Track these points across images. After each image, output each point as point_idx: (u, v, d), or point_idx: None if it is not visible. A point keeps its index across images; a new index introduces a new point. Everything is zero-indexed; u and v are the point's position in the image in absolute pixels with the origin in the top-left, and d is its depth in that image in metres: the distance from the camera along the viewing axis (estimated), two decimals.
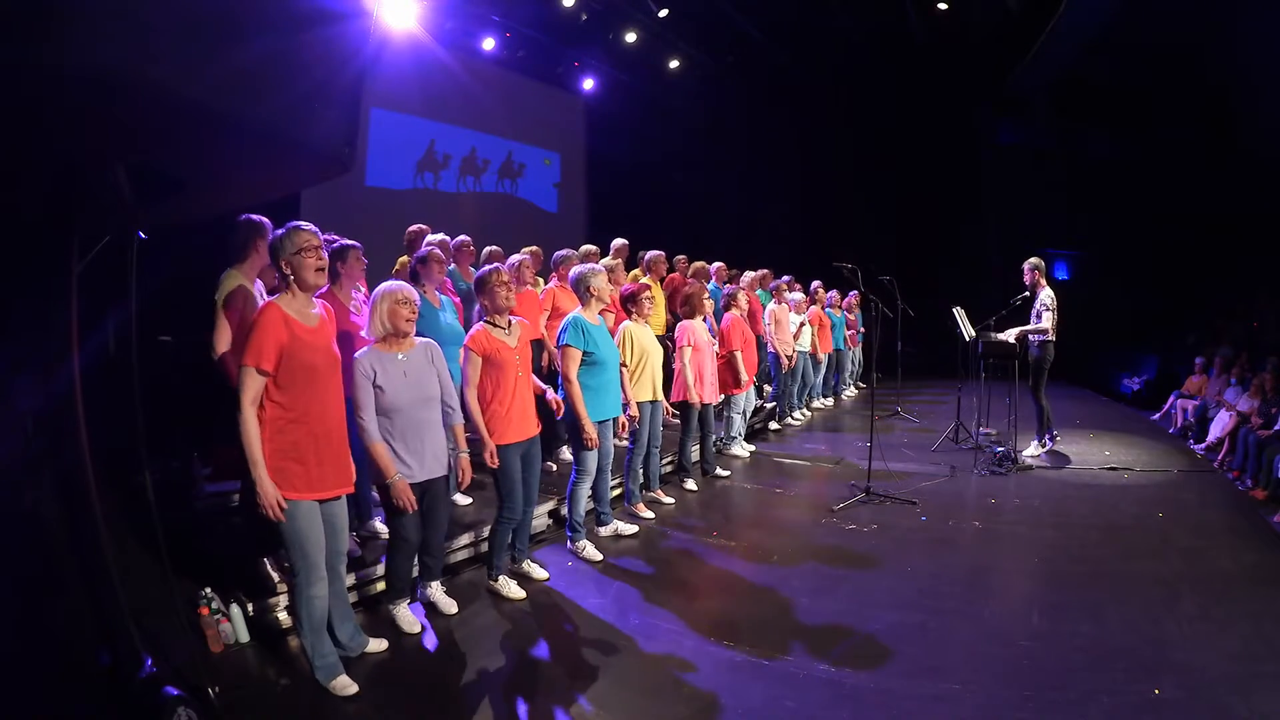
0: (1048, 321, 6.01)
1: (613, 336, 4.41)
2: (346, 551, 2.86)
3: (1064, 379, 8.70)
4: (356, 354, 2.86)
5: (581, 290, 4.00)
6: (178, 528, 3.12)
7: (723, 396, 5.88)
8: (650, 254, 6.69)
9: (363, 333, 2.99)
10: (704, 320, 5.37)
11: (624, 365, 4.37)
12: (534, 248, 5.49)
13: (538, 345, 4.80)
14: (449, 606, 3.31)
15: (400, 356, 2.91)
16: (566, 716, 2.58)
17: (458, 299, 4.53)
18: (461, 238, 5.17)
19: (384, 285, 2.95)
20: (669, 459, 5.48)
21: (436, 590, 3.34)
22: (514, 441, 3.39)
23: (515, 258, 4.94)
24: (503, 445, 3.35)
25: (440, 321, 3.92)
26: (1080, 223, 11.91)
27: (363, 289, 3.70)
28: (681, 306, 5.33)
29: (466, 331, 4.07)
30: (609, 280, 5.37)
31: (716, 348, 5.70)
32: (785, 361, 7.22)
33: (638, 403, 4.47)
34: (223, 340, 3.05)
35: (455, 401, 3.17)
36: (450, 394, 3.12)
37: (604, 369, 3.97)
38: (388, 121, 8.29)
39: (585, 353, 3.88)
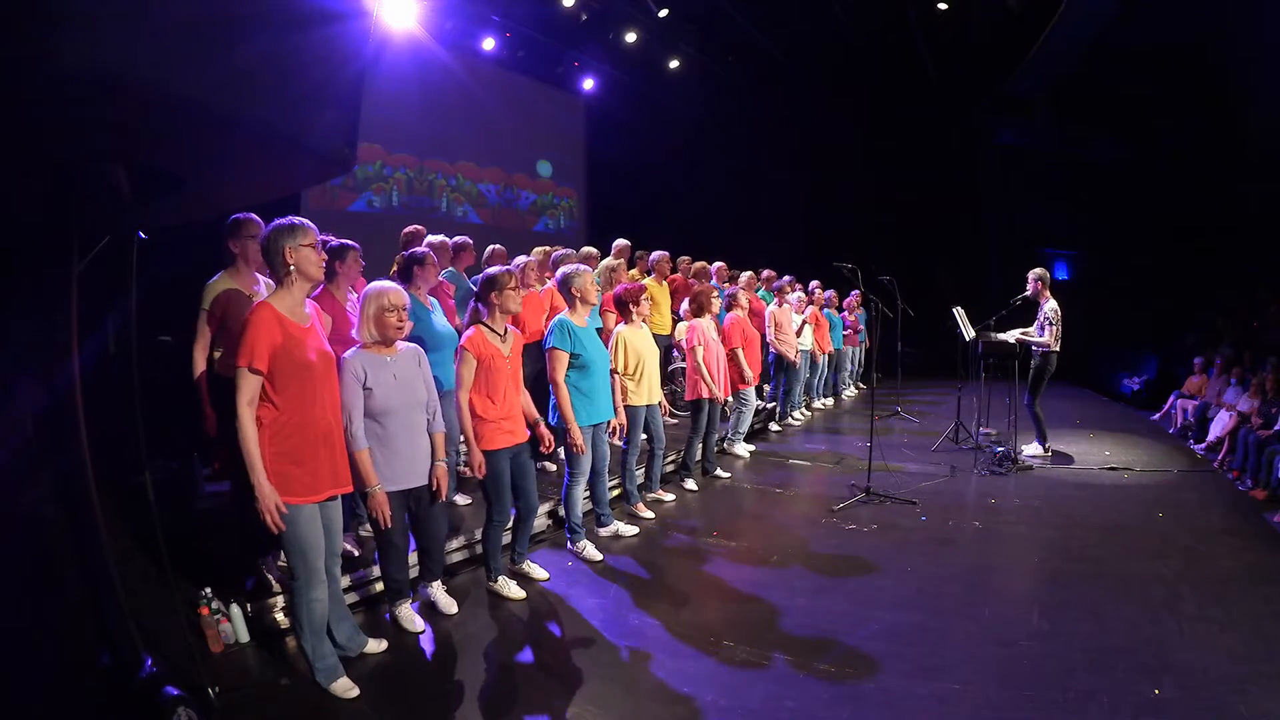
0: (1049, 335, 6.02)
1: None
2: (342, 553, 2.85)
3: (1064, 379, 8.69)
4: (346, 354, 2.77)
5: (566, 292, 3.95)
6: (178, 528, 3.11)
7: (733, 393, 5.93)
8: (654, 255, 6.69)
9: (353, 333, 2.91)
10: (710, 320, 5.37)
11: (615, 371, 4.32)
12: (545, 247, 5.46)
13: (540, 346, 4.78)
14: (449, 607, 3.31)
15: (389, 359, 2.84)
16: (566, 717, 2.58)
17: (452, 301, 4.50)
18: (460, 238, 5.12)
19: (374, 285, 2.83)
20: (671, 458, 5.48)
21: (437, 590, 3.34)
22: (502, 448, 3.36)
23: (522, 259, 4.91)
24: (492, 451, 3.32)
25: (433, 324, 3.81)
26: (1080, 223, 11.90)
27: (356, 292, 3.67)
28: (691, 306, 5.33)
29: (459, 334, 4.06)
30: (612, 280, 5.40)
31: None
32: (791, 361, 7.22)
33: (638, 406, 4.44)
34: (200, 356, 3.05)
35: (437, 410, 3.08)
36: (434, 401, 3.03)
37: (592, 372, 3.92)
38: None
39: (573, 355, 3.85)
